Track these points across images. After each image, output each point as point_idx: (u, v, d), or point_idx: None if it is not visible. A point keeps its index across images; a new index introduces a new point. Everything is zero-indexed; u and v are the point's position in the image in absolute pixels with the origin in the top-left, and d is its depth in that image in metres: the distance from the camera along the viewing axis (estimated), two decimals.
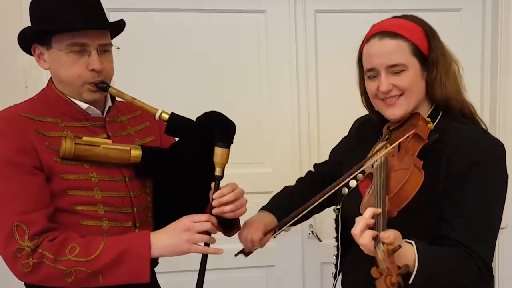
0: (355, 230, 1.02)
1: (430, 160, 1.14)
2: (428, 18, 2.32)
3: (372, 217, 1.02)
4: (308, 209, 1.33)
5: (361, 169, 1.22)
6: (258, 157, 2.31)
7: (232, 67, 2.25)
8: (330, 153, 1.65)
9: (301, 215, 1.34)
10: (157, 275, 1.49)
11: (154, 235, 1.24)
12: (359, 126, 1.53)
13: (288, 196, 1.58)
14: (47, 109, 1.28)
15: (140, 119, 1.45)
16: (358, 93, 1.98)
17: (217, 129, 1.29)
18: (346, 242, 1.38)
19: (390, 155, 1.17)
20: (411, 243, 1.05)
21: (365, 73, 1.29)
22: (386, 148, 1.19)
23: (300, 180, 1.68)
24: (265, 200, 2.27)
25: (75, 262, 1.17)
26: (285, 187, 1.63)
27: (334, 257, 1.45)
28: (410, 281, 1.02)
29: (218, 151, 1.29)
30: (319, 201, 1.30)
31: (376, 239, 0.98)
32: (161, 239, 1.23)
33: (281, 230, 1.45)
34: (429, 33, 1.26)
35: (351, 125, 1.62)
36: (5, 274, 2.11)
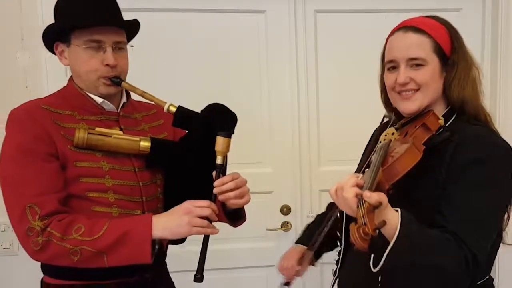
0: (342, 182, 1.04)
1: (435, 155, 1.15)
2: None
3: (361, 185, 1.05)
4: (331, 221, 1.33)
5: (368, 161, 1.23)
6: (258, 157, 2.31)
7: (232, 67, 2.25)
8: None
9: (324, 231, 1.34)
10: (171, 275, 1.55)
11: (156, 217, 1.30)
12: (374, 133, 1.51)
13: (314, 224, 1.60)
14: (66, 103, 1.37)
15: (154, 117, 1.51)
16: (358, 93, 2.00)
17: (218, 119, 1.35)
18: (348, 242, 1.36)
19: (395, 140, 1.19)
20: (397, 210, 1.06)
21: (385, 65, 1.30)
22: (392, 134, 1.21)
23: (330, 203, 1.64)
24: (265, 200, 2.29)
25: (80, 241, 1.24)
26: (317, 216, 1.65)
27: (337, 254, 1.45)
28: (390, 247, 1.03)
29: (219, 140, 1.34)
30: (337, 211, 1.31)
31: (360, 198, 1.00)
32: (162, 221, 1.30)
33: (313, 248, 1.45)
34: (454, 35, 1.27)
35: (351, 125, 1.62)
36: (5, 273, 2.11)
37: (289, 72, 2.29)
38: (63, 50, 1.38)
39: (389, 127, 1.32)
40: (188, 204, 1.31)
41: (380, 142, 1.24)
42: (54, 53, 1.42)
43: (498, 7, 2.26)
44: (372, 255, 1.11)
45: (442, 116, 1.26)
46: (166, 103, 1.36)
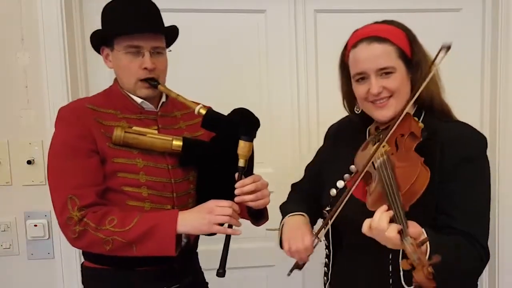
0: (381, 224, 1.05)
1: (424, 156, 1.18)
2: (428, 18, 2.35)
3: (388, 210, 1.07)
4: (343, 203, 1.30)
5: (365, 170, 1.23)
6: (258, 157, 2.30)
7: (232, 67, 2.25)
8: (307, 167, 1.66)
9: (333, 218, 1.32)
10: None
11: (181, 214, 1.40)
12: (337, 131, 1.57)
13: (299, 198, 1.58)
14: (110, 102, 1.49)
15: (192, 115, 1.54)
16: None
17: (241, 123, 1.44)
18: (337, 243, 1.42)
19: (390, 154, 1.20)
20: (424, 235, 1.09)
21: (353, 77, 1.33)
22: (383, 147, 1.22)
23: (290, 196, 1.66)
24: None
25: (112, 232, 1.35)
26: (281, 206, 1.60)
27: (326, 259, 1.48)
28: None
29: (241, 144, 1.42)
30: (334, 216, 1.30)
31: (401, 232, 1.02)
32: (187, 218, 1.39)
33: (325, 228, 1.39)
34: (411, 37, 1.32)
35: (343, 120, 1.62)
36: (5, 273, 2.11)
37: (289, 72, 2.29)
38: (108, 54, 1.49)
39: (369, 140, 1.34)
40: (211, 204, 1.40)
41: (371, 153, 1.24)
42: (100, 54, 1.52)
43: (498, 7, 2.26)
44: (402, 272, 1.16)
45: (413, 115, 1.31)
46: (197, 105, 1.44)
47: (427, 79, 1.23)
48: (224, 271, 1.41)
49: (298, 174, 2.30)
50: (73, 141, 1.40)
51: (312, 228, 1.46)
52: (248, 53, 2.26)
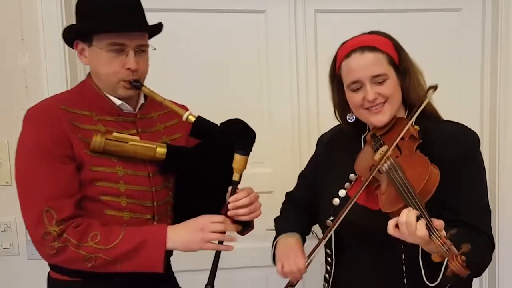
0: (411, 220, 1.09)
1: None
2: (428, 18, 2.35)
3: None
4: (340, 221, 1.33)
5: (370, 177, 1.27)
6: (258, 157, 2.30)
7: (232, 67, 2.25)
8: (301, 175, 1.69)
9: (334, 227, 1.35)
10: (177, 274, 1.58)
11: (170, 229, 1.33)
12: (329, 140, 1.59)
13: (292, 215, 1.61)
14: (84, 102, 1.37)
15: (170, 116, 1.50)
16: None
17: (238, 137, 1.38)
18: (339, 249, 1.44)
19: (394, 157, 1.26)
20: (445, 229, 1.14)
21: (347, 87, 1.37)
22: (387, 152, 1.27)
23: (285, 209, 1.70)
24: (265, 200, 2.26)
25: (95, 249, 1.27)
26: (276, 219, 1.65)
27: (327, 266, 1.49)
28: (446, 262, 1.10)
29: (237, 158, 1.37)
30: (338, 222, 1.32)
31: (428, 228, 1.07)
32: (177, 234, 1.33)
33: (318, 248, 1.43)
34: (397, 46, 1.38)
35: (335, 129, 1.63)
36: (5, 273, 2.10)
37: (289, 72, 2.28)
38: (84, 48, 1.37)
39: (369, 147, 1.38)
40: (203, 220, 1.34)
41: (376, 159, 1.29)
42: (74, 49, 1.41)
43: (498, 7, 2.26)
44: (423, 270, 1.18)
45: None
46: (185, 112, 1.37)
47: (421, 107, 1.31)
48: (213, 287, 1.35)
49: (297, 174, 2.30)
50: (47, 146, 1.28)
51: (305, 240, 1.52)
52: (248, 53, 2.26)
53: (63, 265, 1.32)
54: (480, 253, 1.23)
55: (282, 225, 1.58)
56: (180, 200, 1.48)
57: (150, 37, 1.43)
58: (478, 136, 1.36)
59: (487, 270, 2.36)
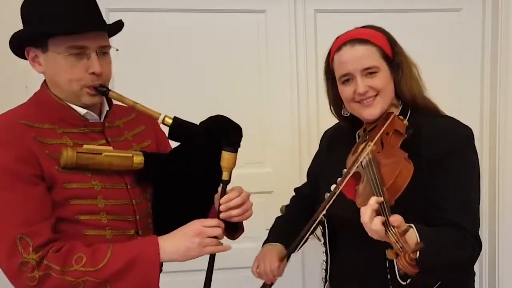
0: (365, 218, 1.07)
1: (411, 152, 1.22)
2: (428, 18, 2.35)
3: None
4: (314, 225, 1.35)
5: (353, 171, 1.26)
6: (258, 157, 2.31)
7: (232, 67, 2.25)
8: (307, 173, 1.70)
9: (308, 233, 1.36)
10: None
11: (162, 240, 1.23)
12: (330, 137, 1.61)
13: (286, 224, 1.62)
14: (44, 115, 1.24)
15: (135, 123, 1.41)
16: None
17: (224, 133, 1.29)
18: (334, 244, 1.45)
19: (375, 152, 1.24)
20: (411, 226, 1.11)
21: (338, 80, 1.37)
22: (369, 146, 1.25)
23: (288, 206, 1.72)
24: (265, 200, 2.29)
25: (82, 273, 1.14)
26: (277, 218, 1.67)
27: (324, 262, 1.49)
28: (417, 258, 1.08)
29: (226, 155, 1.28)
30: (321, 215, 1.32)
31: (385, 224, 1.05)
32: (170, 244, 1.22)
33: (294, 251, 1.45)
34: (391, 39, 1.37)
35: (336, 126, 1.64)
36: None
37: (289, 72, 2.29)
38: (37, 55, 1.23)
39: (358, 142, 1.37)
40: (198, 225, 1.24)
41: (359, 152, 1.28)
42: (25, 59, 1.27)
43: (498, 7, 2.26)
44: (396, 268, 1.17)
45: (399, 114, 1.36)
46: (160, 114, 1.26)
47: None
48: None
49: (297, 174, 2.32)
50: (12, 167, 1.13)
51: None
52: (248, 53, 2.26)
53: None
54: (456, 252, 1.18)
55: (270, 236, 1.59)
56: (160, 210, 1.37)
57: (109, 37, 1.31)
58: (470, 131, 1.32)
59: (487, 270, 2.38)
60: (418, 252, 0.98)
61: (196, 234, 1.23)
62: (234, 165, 1.30)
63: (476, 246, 1.22)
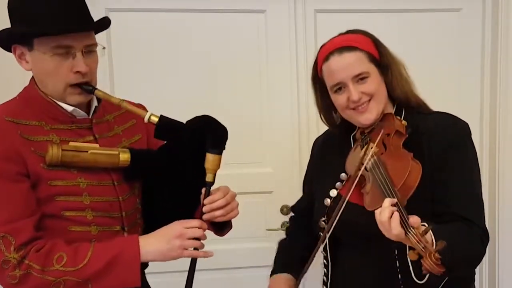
0: (383, 220, 1.07)
1: (413, 150, 1.23)
2: (428, 18, 2.35)
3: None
4: (340, 212, 1.33)
5: (359, 175, 1.26)
6: (258, 157, 2.31)
7: (232, 67, 2.25)
8: (303, 185, 1.68)
9: (314, 259, 1.38)
10: (146, 276, 1.48)
11: (143, 240, 1.24)
12: (321, 143, 1.60)
13: (291, 250, 1.60)
14: (31, 112, 1.24)
15: (126, 117, 1.41)
16: None
17: (209, 134, 1.28)
18: (335, 248, 1.43)
19: (379, 154, 1.25)
20: (427, 225, 1.11)
21: (330, 89, 1.37)
22: (371, 149, 1.25)
23: (289, 229, 1.70)
24: (265, 200, 2.29)
25: (63, 272, 1.15)
26: (280, 243, 1.65)
27: (324, 269, 1.48)
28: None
29: (210, 157, 1.27)
30: (329, 234, 1.33)
31: (404, 225, 1.05)
32: (151, 244, 1.23)
33: (303, 277, 1.48)
34: (376, 41, 1.38)
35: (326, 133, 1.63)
36: None
37: (289, 72, 2.28)
38: (23, 53, 1.23)
39: (356, 145, 1.38)
40: (178, 226, 1.25)
41: (361, 157, 1.28)
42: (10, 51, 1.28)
43: (498, 7, 2.26)
44: (411, 265, 1.17)
45: (394, 114, 1.37)
46: (146, 113, 1.26)
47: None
48: None
49: (297, 174, 2.32)
50: None
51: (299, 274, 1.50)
52: (248, 53, 2.26)
53: None
54: (469, 247, 1.20)
55: (278, 261, 1.59)
56: (149, 205, 1.38)
57: (96, 33, 1.30)
58: (467, 125, 1.33)
59: (487, 270, 2.38)
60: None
61: (177, 236, 1.23)
62: (218, 167, 1.29)
63: (484, 238, 1.25)
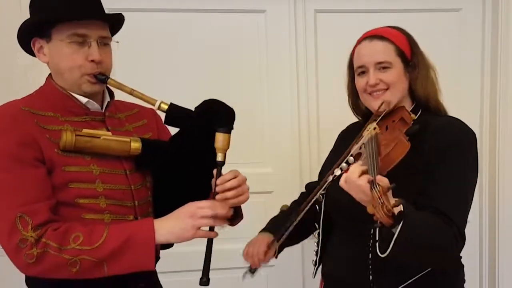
0: (353, 175, 1.15)
1: (414, 143, 1.26)
2: (428, 18, 2.35)
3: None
4: (301, 215, 1.40)
5: (350, 154, 1.31)
6: (258, 157, 2.31)
7: (232, 67, 2.25)
8: (319, 175, 1.70)
9: (294, 223, 1.42)
10: (158, 275, 1.49)
11: (157, 222, 1.25)
12: (343, 134, 1.67)
13: (283, 215, 1.65)
14: (47, 104, 1.29)
15: (137, 117, 1.45)
16: None
17: (217, 115, 1.31)
18: (327, 228, 1.50)
19: (379, 134, 1.27)
20: (400, 201, 1.14)
21: (355, 71, 1.45)
22: (374, 130, 1.28)
23: (294, 201, 1.76)
24: (265, 200, 2.29)
25: (79, 251, 1.17)
26: (280, 210, 1.71)
27: (315, 244, 1.54)
28: (398, 231, 1.12)
29: (220, 137, 1.30)
30: (310, 203, 1.38)
31: (371, 183, 1.11)
32: (165, 226, 1.25)
33: (280, 240, 1.50)
34: (411, 41, 1.44)
35: (350, 124, 1.67)
36: (5, 274, 2.10)
37: (289, 72, 2.29)
38: (42, 46, 1.30)
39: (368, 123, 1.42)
40: (191, 207, 1.26)
41: (362, 136, 1.31)
42: (30, 53, 1.35)
43: (498, 7, 2.26)
44: (378, 242, 1.22)
45: (410, 111, 1.41)
46: (157, 100, 1.30)
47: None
48: (208, 279, 1.26)
49: (297, 174, 2.32)
50: (13, 151, 1.18)
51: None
52: (248, 53, 2.26)
53: (45, 275, 1.19)
54: (434, 236, 1.20)
55: (269, 222, 1.66)
56: (161, 198, 1.40)
57: (113, 33, 1.37)
58: (474, 135, 1.35)
59: (487, 270, 2.38)
60: (397, 209, 1.06)
61: (190, 215, 1.24)
62: (228, 146, 1.31)
63: (459, 239, 1.25)
